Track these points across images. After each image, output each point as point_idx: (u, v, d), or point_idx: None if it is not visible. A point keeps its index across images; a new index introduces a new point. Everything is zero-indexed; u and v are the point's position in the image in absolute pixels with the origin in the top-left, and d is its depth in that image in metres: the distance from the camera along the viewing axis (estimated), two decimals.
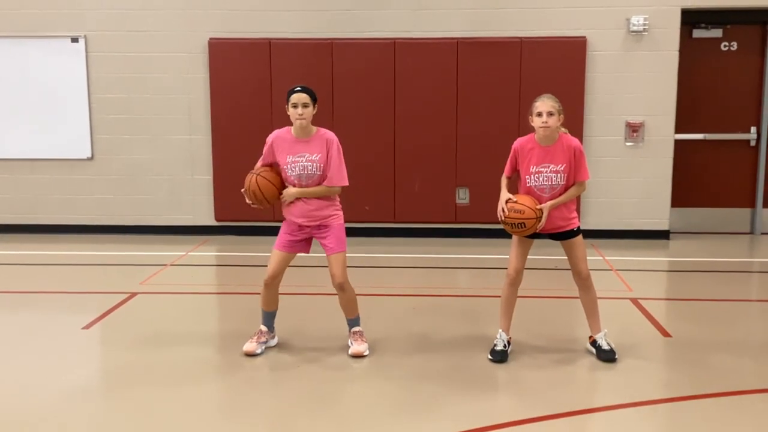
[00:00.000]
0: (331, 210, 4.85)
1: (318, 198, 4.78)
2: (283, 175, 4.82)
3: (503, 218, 4.69)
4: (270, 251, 4.93)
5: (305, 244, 4.93)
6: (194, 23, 8.74)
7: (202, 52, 8.75)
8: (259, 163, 4.91)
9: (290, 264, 4.94)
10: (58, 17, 8.78)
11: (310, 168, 4.75)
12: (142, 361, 4.89)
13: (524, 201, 4.65)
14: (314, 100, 4.77)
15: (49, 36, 8.80)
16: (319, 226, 4.84)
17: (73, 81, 8.85)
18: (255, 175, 4.81)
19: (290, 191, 4.78)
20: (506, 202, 4.67)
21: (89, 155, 8.99)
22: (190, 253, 8.12)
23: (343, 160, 4.81)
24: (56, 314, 6.06)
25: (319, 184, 4.77)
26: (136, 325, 5.62)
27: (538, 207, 4.63)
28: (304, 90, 4.74)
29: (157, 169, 8.99)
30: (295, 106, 4.71)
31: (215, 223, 9.04)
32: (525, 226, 4.63)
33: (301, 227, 4.84)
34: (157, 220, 9.06)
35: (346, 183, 4.84)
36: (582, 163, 4.70)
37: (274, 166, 4.87)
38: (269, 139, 4.85)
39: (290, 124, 4.82)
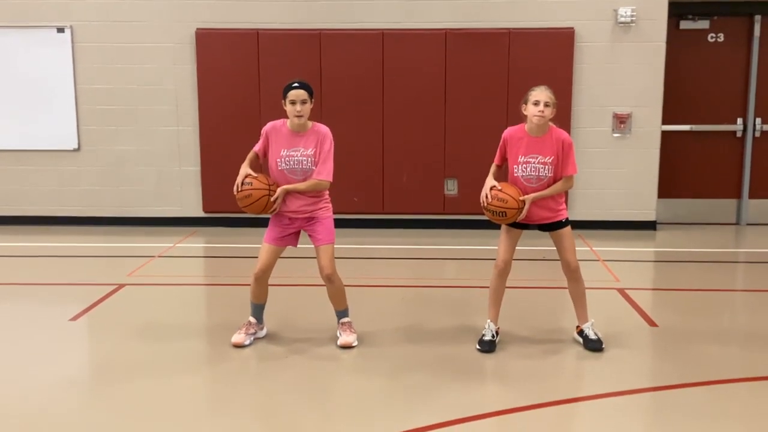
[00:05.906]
0: (320, 203, 4.84)
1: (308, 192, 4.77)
2: (272, 167, 4.79)
3: (486, 204, 4.70)
4: (258, 242, 4.92)
5: (294, 237, 4.91)
6: (181, 13, 8.68)
7: (189, 43, 8.70)
8: (256, 150, 4.82)
9: (279, 256, 4.93)
10: (44, 7, 8.70)
11: (304, 162, 4.73)
12: (129, 353, 4.87)
13: (508, 190, 4.66)
14: (311, 95, 4.74)
15: (35, 26, 8.71)
16: (308, 219, 4.83)
17: (59, 71, 8.77)
18: (268, 194, 4.68)
19: (280, 190, 4.70)
20: (491, 189, 4.69)
21: (75, 146, 8.94)
22: (177, 245, 8.10)
23: (332, 156, 4.77)
24: (43, 306, 6.03)
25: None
26: (124, 317, 5.60)
27: (521, 198, 4.65)
28: (302, 86, 4.69)
29: (144, 160, 8.94)
30: (293, 102, 4.66)
31: (203, 215, 9.01)
32: (506, 215, 4.66)
33: (291, 220, 4.83)
34: (144, 212, 9.03)
35: (331, 179, 4.78)
36: (570, 157, 4.70)
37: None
38: (265, 129, 4.81)
39: (282, 116, 4.80)
